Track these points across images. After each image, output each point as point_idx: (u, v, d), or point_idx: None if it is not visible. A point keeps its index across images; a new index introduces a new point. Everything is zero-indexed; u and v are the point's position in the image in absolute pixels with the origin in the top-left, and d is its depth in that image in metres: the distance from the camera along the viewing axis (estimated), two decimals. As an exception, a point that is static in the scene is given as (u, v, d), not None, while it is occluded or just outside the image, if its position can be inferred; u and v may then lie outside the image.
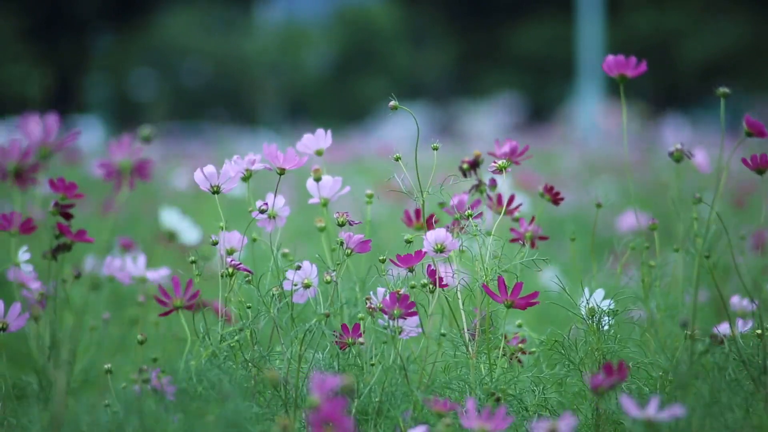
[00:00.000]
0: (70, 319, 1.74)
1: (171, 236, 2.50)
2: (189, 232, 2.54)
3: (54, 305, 1.67)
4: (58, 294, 1.68)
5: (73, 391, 1.86)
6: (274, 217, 1.74)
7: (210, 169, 1.70)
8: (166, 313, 1.70)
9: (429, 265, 1.67)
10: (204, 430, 1.42)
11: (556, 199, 1.87)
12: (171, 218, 2.52)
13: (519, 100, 18.44)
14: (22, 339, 1.70)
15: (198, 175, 1.70)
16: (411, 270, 1.67)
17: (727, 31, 23.81)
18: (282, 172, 1.73)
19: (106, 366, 1.68)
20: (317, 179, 1.80)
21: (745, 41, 23.73)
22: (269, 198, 1.74)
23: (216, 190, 1.71)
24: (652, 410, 1.41)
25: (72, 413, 1.49)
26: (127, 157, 1.44)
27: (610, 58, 1.77)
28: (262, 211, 1.72)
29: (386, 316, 1.62)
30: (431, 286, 1.66)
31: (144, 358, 1.88)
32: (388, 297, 1.62)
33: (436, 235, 1.66)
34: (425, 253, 1.66)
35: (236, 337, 1.63)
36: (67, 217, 1.69)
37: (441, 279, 1.67)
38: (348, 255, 1.68)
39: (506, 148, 1.79)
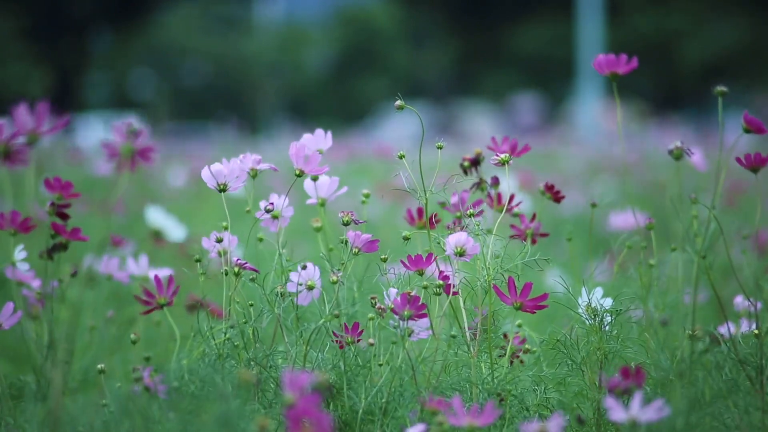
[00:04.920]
0: (68, 318, 1.74)
1: (157, 234, 2.50)
2: (175, 230, 2.52)
3: (51, 304, 1.66)
4: (55, 293, 1.67)
5: (72, 391, 1.86)
6: (277, 218, 1.73)
7: (217, 167, 1.70)
8: (148, 311, 1.70)
9: (442, 271, 1.66)
10: (197, 429, 1.41)
11: (556, 197, 1.87)
12: (156, 216, 2.50)
13: (532, 101, 18.25)
14: (20, 339, 1.69)
15: (205, 173, 1.69)
16: (421, 273, 1.65)
17: (727, 31, 23.82)
18: (300, 174, 1.71)
19: (99, 366, 1.68)
20: (314, 179, 1.79)
21: (744, 41, 23.73)
22: (273, 198, 1.72)
23: (223, 189, 1.70)
24: (635, 410, 1.40)
25: (69, 413, 1.49)
26: (129, 142, 1.44)
27: (601, 57, 1.74)
28: (267, 211, 1.71)
29: (396, 317, 1.60)
30: (438, 290, 1.64)
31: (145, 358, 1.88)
32: (399, 298, 1.60)
33: (457, 239, 1.63)
34: (435, 257, 1.65)
35: (227, 335, 1.62)
36: (64, 217, 1.68)
37: (450, 283, 1.65)
38: (356, 254, 1.67)
39: (505, 146, 1.79)
